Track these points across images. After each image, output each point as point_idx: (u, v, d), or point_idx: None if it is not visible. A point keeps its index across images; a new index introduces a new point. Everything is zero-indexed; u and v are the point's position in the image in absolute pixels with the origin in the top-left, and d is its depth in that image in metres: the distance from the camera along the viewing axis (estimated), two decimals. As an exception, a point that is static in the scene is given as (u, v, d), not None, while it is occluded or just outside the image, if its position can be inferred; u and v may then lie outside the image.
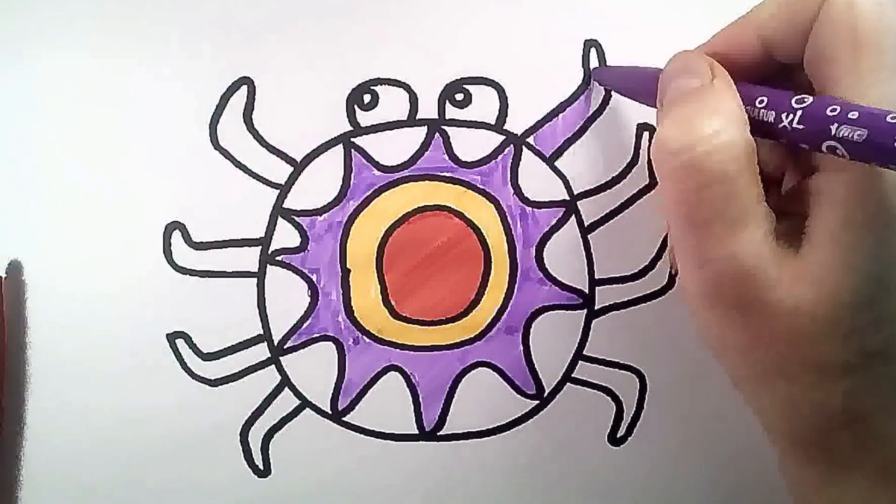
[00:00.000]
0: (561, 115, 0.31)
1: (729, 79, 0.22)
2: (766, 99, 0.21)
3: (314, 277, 0.32)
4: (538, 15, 0.32)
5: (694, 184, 0.21)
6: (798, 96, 0.20)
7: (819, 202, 0.21)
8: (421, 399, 0.32)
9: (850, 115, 0.18)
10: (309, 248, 0.32)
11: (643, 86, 0.26)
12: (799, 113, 0.20)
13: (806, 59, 0.21)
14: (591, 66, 0.31)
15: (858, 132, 0.18)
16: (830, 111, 0.19)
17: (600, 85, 0.31)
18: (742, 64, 0.23)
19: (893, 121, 0.17)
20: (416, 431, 0.32)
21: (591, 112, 0.31)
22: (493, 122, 0.32)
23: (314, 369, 0.32)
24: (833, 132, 0.18)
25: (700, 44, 0.25)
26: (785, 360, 0.21)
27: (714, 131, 0.20)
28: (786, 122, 0.20)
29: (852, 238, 0.20)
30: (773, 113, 0.20)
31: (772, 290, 0.20)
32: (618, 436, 0.31)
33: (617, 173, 0.31)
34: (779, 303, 0.20)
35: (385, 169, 0.32)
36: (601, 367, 0.31)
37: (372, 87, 0.32)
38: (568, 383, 0.31)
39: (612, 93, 0.31)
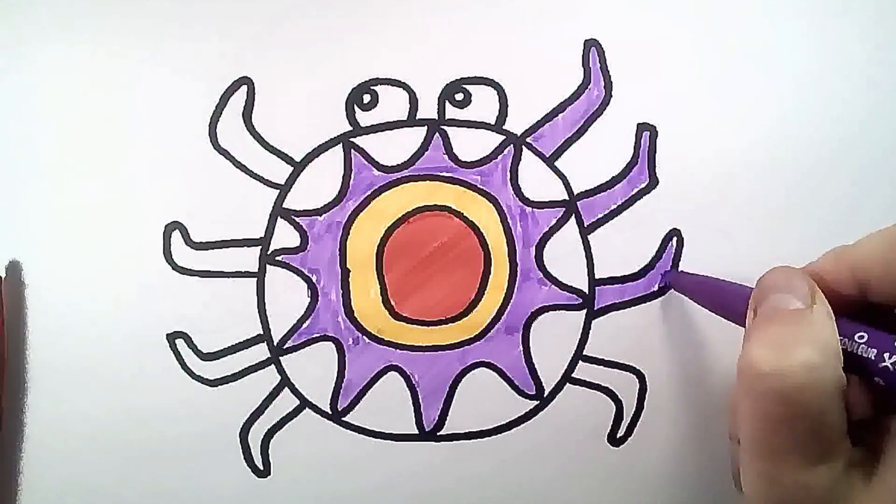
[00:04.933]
0: (561, 115, 0.31)
1: (829, 307, 0.21)
2: (866, 335, 0.20)
3: (314, 277, 0.32)
4: (538, 15, 0.32)
5: (780, 412, 0.20)
6: None
7: None
8: (421, 399, 0.32)
9: None
10: (309, 248, 0.32)
11: (726, 300, 0.26)
12: None
13: None
14: (664, 269, 0.31)
15: None
16: None
17: (675, 290, 0.31)
18: (836, 295, 0.22)
19: None
20: (416, 431, 0.32)
21: (591, 112, 0.31)
22: (492, 122, 0.32)
23: (314, 369, 0.32)
24: None
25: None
26: None
27: (810, 362, 0.19)
28: (888, 363, 0.20)
29: None
30: (875, 351, 0.20)
31: None
32: (618, 436, 0.31)
33: (617, 173, 0.31)
34: None
35: (385, 169, 0.32)
36: (601, 367, 0.31)
37: (372, 87, 0.32)
38: (568, 383, 0.31)
39: (613, 93, 0.31)
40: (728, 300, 0.26)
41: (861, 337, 0.20)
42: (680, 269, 0.31)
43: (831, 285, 0.22)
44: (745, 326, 0.23)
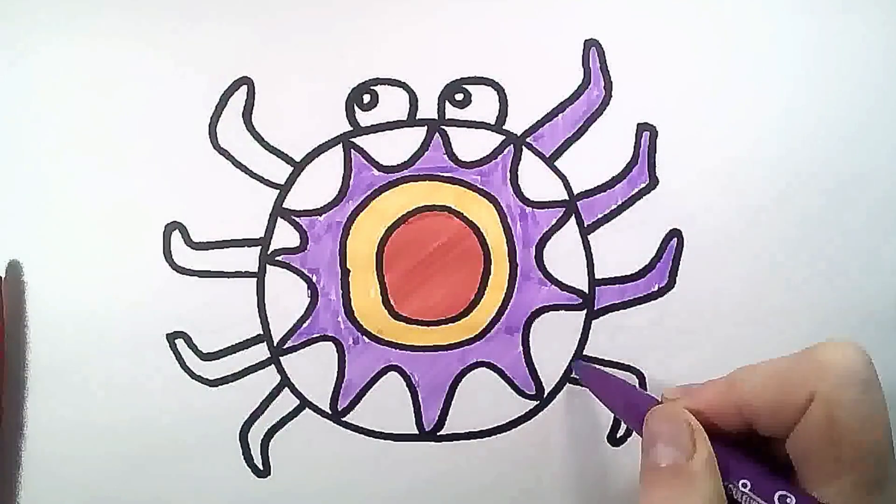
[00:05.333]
0: (561, 115, 0.31)
1: (711, 453, 0.21)
2: (749, 483, 0.21)
3: (314, 277, 0.32)
4: (538, 15, 0.32)
5: None
6: (782, 493, 0.20)
7: None
8: (421, 399, 0.32)
9: None
10: (309, 248, 0.32)
11: (626, 409, 0.26)
12: None
13: (788, 447, 0.21)
14: (574, 367, 0.31)
15: None
16: None
17: (578, 379, 0.31)
18: (722, 426, 0.23)
19: None
20: (416, 431, 0.32)
21: (591, 112, 0.31)
22: (492, 122, 0.32)
23: (314, 369, 0.32)
24: None
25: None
26: None
27: None
28: None
29: None
30: (759, 500, 0.20)
31: None
32: (618, 436, 0.31)
33: (617, 173, 0.31)
34: None
35: (385, 169, 0.32)
36: (601, 367, 0.31)
37: (372, 87, 0.32)
38: (568, 383, 0.31)
39: (613, 93, 0.31)
40: (628, 409, 0.26)
41: (745, 485, 0.21)
42: (585, 361, 0.31)
43: (718, 423, 0.23)
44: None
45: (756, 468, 0.21)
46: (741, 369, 0.23)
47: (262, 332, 0.32)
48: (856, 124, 0.31)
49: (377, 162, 0.32)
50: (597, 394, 0.29)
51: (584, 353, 0.31)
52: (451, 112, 0.32)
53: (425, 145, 0.32)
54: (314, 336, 0.32)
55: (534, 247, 0.32)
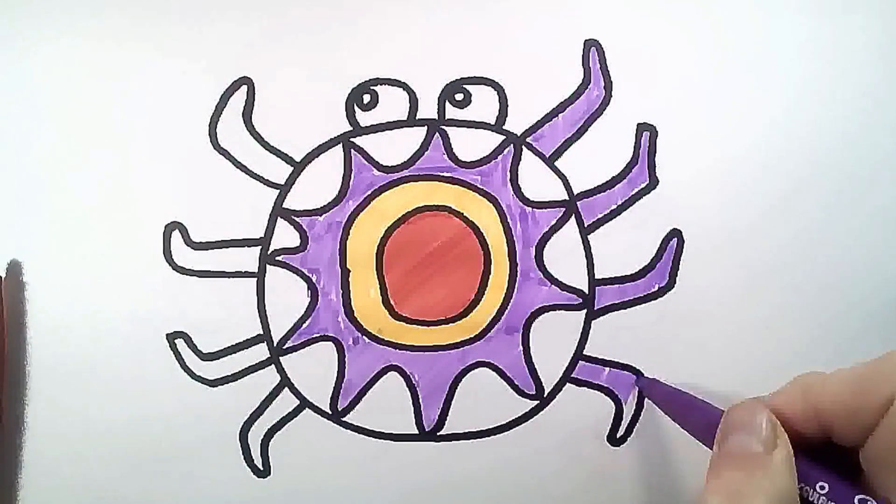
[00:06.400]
0: (561, 115, 0.31)
1: (790, 452, 0.20)
2: (826, 486, 0.20)
3: (314, 277, 0.32)
4: (538, 15, 0.32)
5: None
6: (861, 496, 0.19)
7: None
8: (421, 399, 0.32)
9: None
10: (309, 248, 0.32)
11: (696, 420, 0.26)
12: None
13: (863, 455, 0.20)
14: (636, 382, 0.31)
15: None
16: None
17: (645, 395, 0.30)
18: (799, 430, 0.22)
19: None
20: (416, 431, 0.32)
21: (591, 112, 0.31)
22: (492, 122, 0.32)
23: (314, 369, 0.32)
24: None
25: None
26: None
27: None
28: None
29: None
30: None
31: None
32: (618, 436, 0.31)
33: (617, 173, 0.31)
34: None
35: (385, 169, 0.32)
36: (601, 366, 0.31)
37: (372, 87, 0.32)
38: (568, 383, 0.31)
39: (613, 93, 0.31)
40: (698, 420, 0.25)
41: (822, 487, 0.20)
42: (653, 376, 0.31)
43: (795, 425, 0.22)
44: (712, 450, 0.22)
45: (833, 474, 0.20)
46: (807, 375, 0.22)
47: (262, 332, 0.32)
48: (856, 124, 0.31)
49: (377, 162, 0.32)
50: (663, 407, 0.29)
51: (584, 352, 0.31)
52: (451, 112, 0.32)
53: (425, 145, 0.32)
54: (314, 336, 0.32)
55: (534, 247, 0.32)
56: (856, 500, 0.19)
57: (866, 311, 0.31)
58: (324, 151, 0.32)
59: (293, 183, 0.32)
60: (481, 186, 0.32)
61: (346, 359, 0.32)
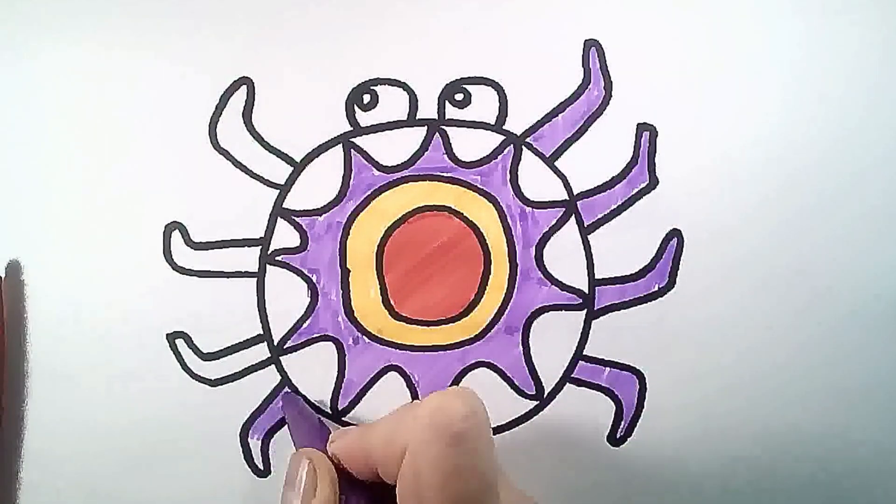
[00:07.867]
0: (561, 115, 0.31)
1: (332, 492, 0.26)
2: None
3: (314, 277, 0.32)
4: (538, 15, 0.32)
5: None
6: None
7: None
8: (421, 399, 0.32)
9: None
10: (309, 248, 0.32)
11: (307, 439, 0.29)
12: None
13: (398, 491, 0.24)
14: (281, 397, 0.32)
15: None
16: None
17: (282, 409, 0.32)
18: (357, 471, 0.27)
19: None
20: (416, 431, 0.32)
21: (591, 112, 0.31)
22: (492, 122, 0.32)
23: (314, 369, 0.32)
24: None
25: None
26: None
27: None
28: None
29: None
30: None
31: None
32: (618, 436, 0.31)
33: (617, 173, 0.31)
34: None
35: (385, 169, 0.32)
36: (601, 367, 0.31)
37: (372, 87, 0.32)
38: (568, 383, 0.31)
39: (612, 93, 0.31)
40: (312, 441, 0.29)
41: None
42: (288, 391, 0.32)
43: (353, 467, 0.27)
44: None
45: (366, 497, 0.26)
46: (365, 425, 0.28)
47: (262, 332, 0.32)
48: (855, 124, 0.31)
49: (377, 162, 0.32)
50: (289, 425, 0.31)
51: (584, 353, 0.31)
52: (451, 112, 0.32)
53: (425, 145, 0.32)
54: (314, 336, 0.32)
55: (534, 247, 0.32)
56: None
57: (866, 311, 0.31)
58: (324, 151, 0.32)
59: (293, 183, 0.32)
60: (481, 186, 0.32)
61: (346, 358, 0.32)
